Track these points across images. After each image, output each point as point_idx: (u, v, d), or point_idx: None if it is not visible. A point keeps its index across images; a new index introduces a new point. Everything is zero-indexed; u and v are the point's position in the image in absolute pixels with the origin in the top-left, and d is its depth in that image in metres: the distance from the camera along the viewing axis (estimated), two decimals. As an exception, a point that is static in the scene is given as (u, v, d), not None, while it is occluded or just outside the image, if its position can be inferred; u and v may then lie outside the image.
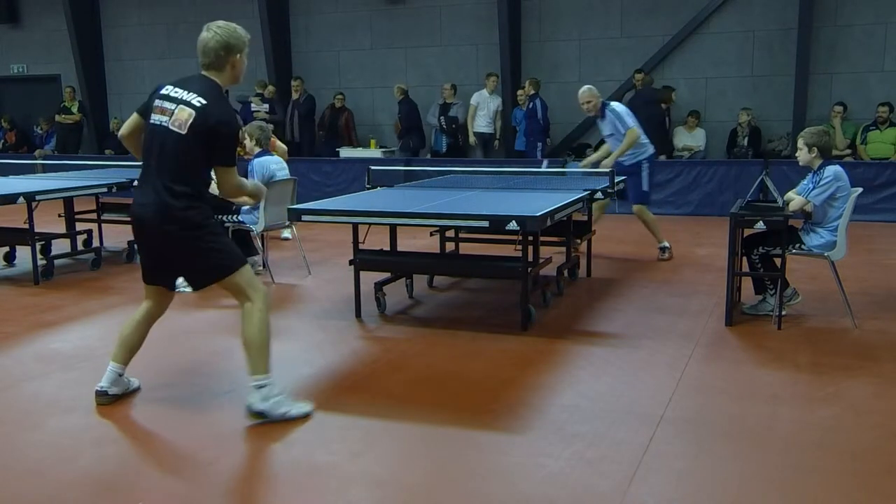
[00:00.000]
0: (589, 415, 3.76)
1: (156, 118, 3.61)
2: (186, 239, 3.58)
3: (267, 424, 3.67)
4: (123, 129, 3.81)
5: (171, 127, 3.53)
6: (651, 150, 7.61)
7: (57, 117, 14.52)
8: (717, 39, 11.48)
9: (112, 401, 3.92)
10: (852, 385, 4.13)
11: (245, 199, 6.55)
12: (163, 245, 3.63)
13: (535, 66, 12.29)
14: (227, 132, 3.56)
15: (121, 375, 3.96)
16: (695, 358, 4.57)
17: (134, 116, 3.79)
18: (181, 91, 3.59)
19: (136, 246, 3.91)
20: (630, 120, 7.44)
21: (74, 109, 14.52)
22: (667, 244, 7.55)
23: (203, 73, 3.67)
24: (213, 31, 3.68)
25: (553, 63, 12.29)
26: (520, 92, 11.79)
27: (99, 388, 3.91)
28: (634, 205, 7.58)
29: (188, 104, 3.53)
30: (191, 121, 3.50)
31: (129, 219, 3.76)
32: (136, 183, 3.80)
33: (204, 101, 3.53)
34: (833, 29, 10.93)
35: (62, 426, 3.72)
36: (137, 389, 4.10)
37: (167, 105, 3.58)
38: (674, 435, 3.53)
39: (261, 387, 3.61)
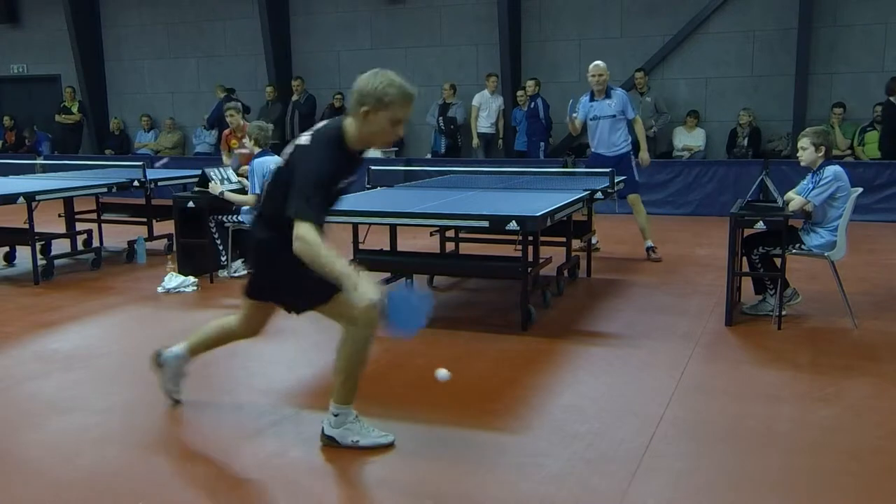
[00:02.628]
0: (589, 415, 3.76)
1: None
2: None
3: (268, 425, 3.67)
4: None
5: None
6: (630, 146, 7.63)
7: (57, 117, 14.52)
8: (717, 39, 11.47)
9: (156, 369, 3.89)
10: (852, 385, 4.13)
11: (245, 199, 6.58)
12: None
13: (535, 66, 12.29)
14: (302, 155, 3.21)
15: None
16: (695, 358, 4.57)
17: None
18: None
19: None
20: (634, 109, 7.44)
21: (74, 109, 14.52)
22: (653, 244, 7.52)
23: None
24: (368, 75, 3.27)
25: (553, 63, 12.28)
26: (520, 92, 11.79)
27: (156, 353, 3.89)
28: (630, 195, 7.51)
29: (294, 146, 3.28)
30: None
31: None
32: None
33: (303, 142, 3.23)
34: (833, 29, 10.93)
35: (62, 426, 3.71)
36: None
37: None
38: (674, 435, 3.53)
39: (335, 415, 3.41)
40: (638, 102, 11.31)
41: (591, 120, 7.50)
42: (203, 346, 3.84)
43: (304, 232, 2.98)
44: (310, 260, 2.99)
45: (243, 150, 7.68)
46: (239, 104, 8.54)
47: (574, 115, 7.51)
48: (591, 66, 7.41)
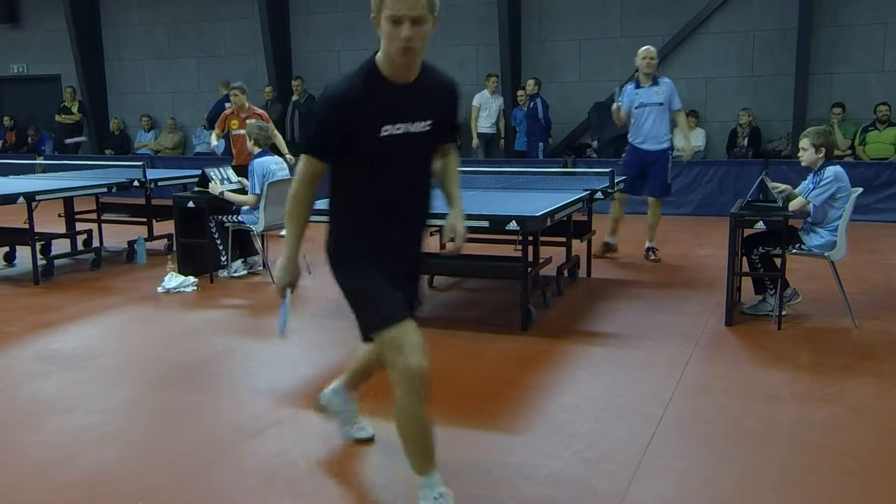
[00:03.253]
0: (589, 415, 3.76)
1: None
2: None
3: (268, 425, 3.67)
4: None
5: None
6: (671, 142, 7.31)
7: (57, 117, 14.52)
8: (717, 39, 11.47)
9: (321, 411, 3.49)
10: (852, 385, 4.13)
11: (245, 199, 6.58)
12: None
13: (535, 66, 12.29)
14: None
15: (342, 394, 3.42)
16: (695, 358, 4.57)
17: None
18: None
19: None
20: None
21: (74, 109, 14.52)
22: (654, 245, 7.47)
23: None
24: None
25: (553, 63, 12.28)
26: (520, 92, 11.79)
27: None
28: (656, 197, 7.30)
29: None
30: None
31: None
32: None
33: None
34: (833, 29, 10.93)
35: (62, 426, 3.71)
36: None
37: None
38: (674, 435, 3.53)
39: (422, 487, 2.80)
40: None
41: (636, 108, 7.11)
42: (359, 376, 3.39)
43: (298, 167, 2.66)
44: (287, 203, 2.69)
45: (241, 132, 7.74)
46: (244, 85, 8.49)
47: (619, 102, 7.14)
48: (641, 49, 7.09)
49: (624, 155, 7.51)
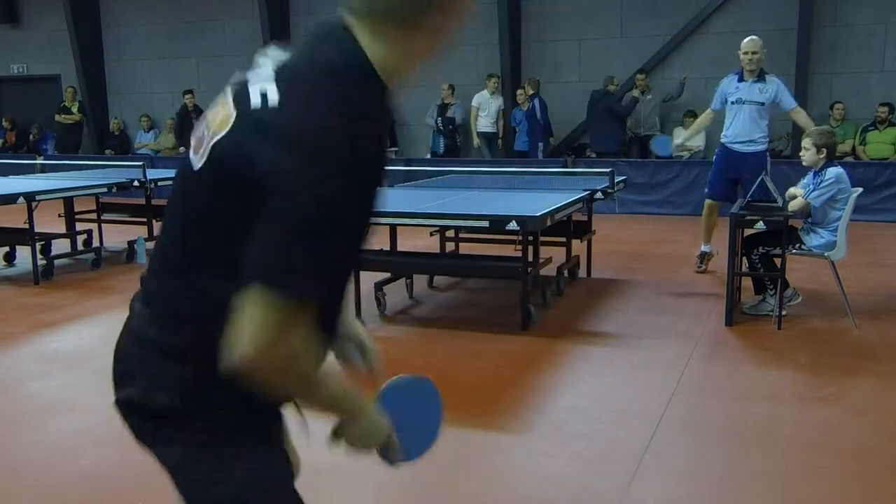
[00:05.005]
0: (589, 415, 3.76)
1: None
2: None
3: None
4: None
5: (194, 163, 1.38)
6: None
7: (57, 117, 14.51)
8: (717, 39, 11.47)
9: None
10: (852, 385, 4.13)
11: None
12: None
13: (535, 66, 12.29)
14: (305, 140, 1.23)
15: None
16: (695, 358, 4.57)
17: None
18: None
19: None
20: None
21: (74, 109, 14.52)
22: (706, 249, 6.94)
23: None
24: None
25: (553, 63, 12.28)
26: (519, 92, 11.79)
27: None
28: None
29: (239, 94, 1.39)
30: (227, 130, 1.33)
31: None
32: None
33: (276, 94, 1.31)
34: (833, 29, 10.93)
35: (62, 426, 3.71)
36: None
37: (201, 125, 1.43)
38: (674, 435, 3.53)
39: None
40: (639, 103, 11.35)
41: (732, 103, 6.46)
42: None
43: (279, 320, 1.21)
44: (289, 380, 1.32)
45: None
46: None
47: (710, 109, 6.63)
48: (743, 41, 6.36)
49: (716, 154, 6.86)
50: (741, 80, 6.49)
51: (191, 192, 1.39)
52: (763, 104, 6.38)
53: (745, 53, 6.38)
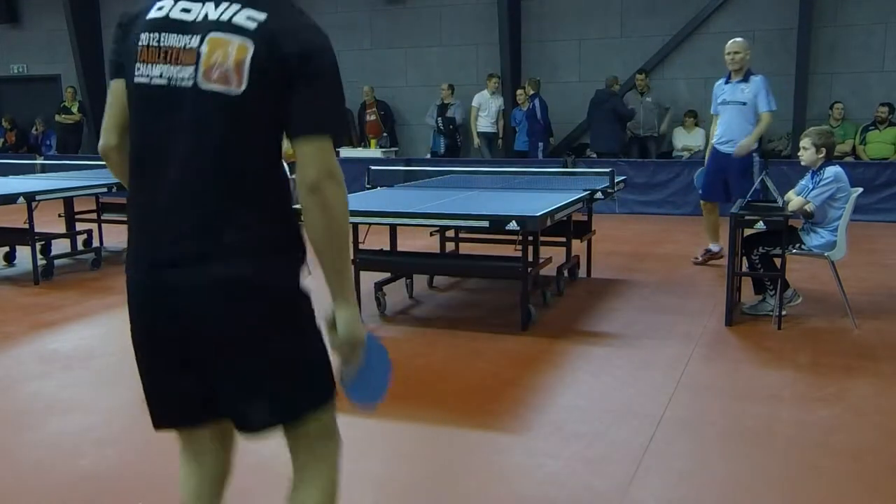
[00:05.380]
0: (589, 415, 3.76)
1: (152, 71, 1.74)
2: (284, 318, 1.83)
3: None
4: (105, 132, 1.90)
5: (201, 85, 1.70)
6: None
7: (57, 117, 14.52)
8: (717, 39, 11.42)
9: None
10: (852, 385, 4.13)
11: None
12: (213, 347, 1.79)
13: (535, 66, 12.30)
14: (321, 66, 1.74)
15: None
16: (695, 358, 4.57)
17: (114, 87, 1.86)
18: (201, 5, 1.74)
19: (141, 356, 1.90)
20: (774, 102, 6.51)
21: (74, 109, 14.52)
22: (717, 248, 7.02)
23: None
24: None
25: (553, 63, 12.29)
26: (519, 92, 11.79)
27: None
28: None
29: (231, 28, 1.70)
30: (248, 61, 1.68)
31: (128, 292, 1.84)
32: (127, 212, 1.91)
33: (263, 15, 1.71)
34: (833, 29, 10.93)
35: (62, 426, 3.71)
36: None
37: (174, 41, 1.73)
38: (674, 435, 3.53)
39: None
40: (639, 103, 11.36)
41: (720, 105, 6.63)
42: None
43: (331, 162, 1.71)
44: (335, 222, 1.73)
45: None
46: None
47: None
48: (728, 42, 6.49)
49: (708, 157, 6.98)
50: (727, 81, 6.60)
51: (224, 117, 1.69)
52: (745, 104, 6.45)
53: (728, 54, 6.50)
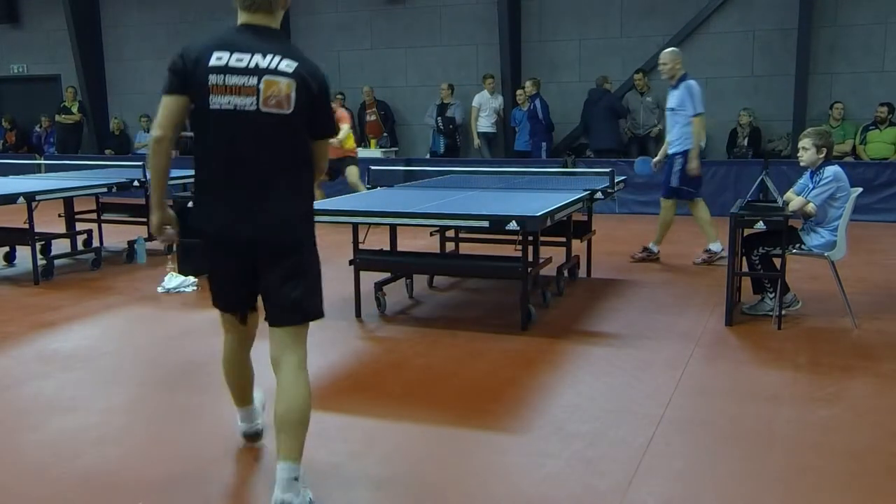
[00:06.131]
0: (589, 415, 3.76)
1: (226, 101, 2.72)
2: (303, 262, 2.87)
3: (267, 426, 3.67)
4: (162, 127, 2.81)
5: (262, 108, 2.71)
6: (689, 146, 7.07)
7: (57, 117, 14.52)
8: (717, 39, 11.48)
9: (261, 436, 3.45)
10: (852, 385, 4.13)
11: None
12: (272, 267, 2.84)
13: (535, 66, 12.30)
14: (327, 94, 2.88)
15: (254, 409, 3.42)
16: (695, 358, 4.57)
17: (173, 101, 2.79)
18: (250, 56, 2.73)
19: (216, 270, 3.02)
20: (701, 106, 6.94)
21: (74, 109, 14.52)
22: (655, 249, 7.39)
23: (252, 23, 2.83)
24: None
25: (553, 63, 12.29)
26: (519, 92, 11.79)
27: (245, 431, 3.41)
28: (662, 199, 7.34)
29: (278, 73, 2.72)
30: (293, 93, 2.72)
31: (210, 242, 2.96)
32: (196, 200, 3.01)
33: (295, 63, 2.74)
34: (833, 29, 10.93)
35: (62, 426, 3.71)
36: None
37: (240, 81, 2.71)
38: (674, 435, 3.53)
39: (296, 478, 2.77)
40: (639, 103, 11.37)
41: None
42: (245, 389, 3.34)
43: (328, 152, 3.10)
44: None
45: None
46: None
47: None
48: (662, 52, 7.03)
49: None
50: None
51: (279, 127, 2.75)
52: (673, 109, 6.97)
53: (660, 64, 7.05)
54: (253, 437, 3.42)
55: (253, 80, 2.70)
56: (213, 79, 2.71)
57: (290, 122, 2.74)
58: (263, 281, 2.86)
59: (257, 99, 2.70)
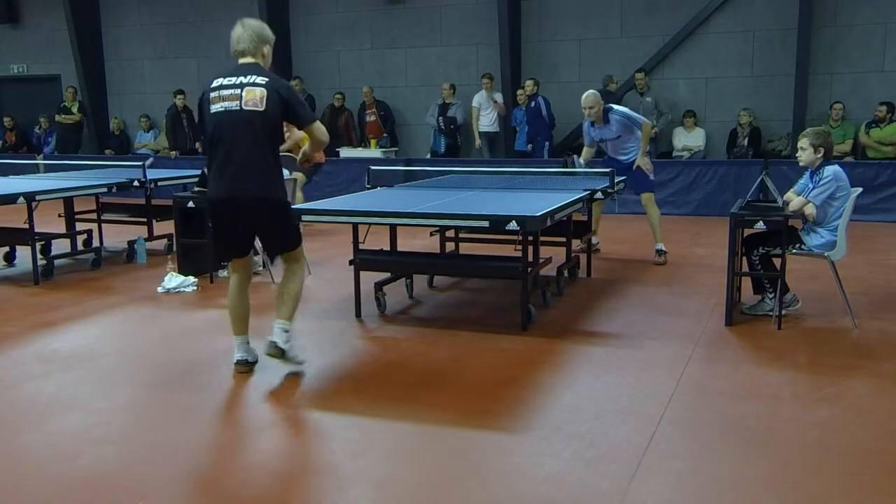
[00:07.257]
0: (589, 415, 3.76)
1: (220, 106, 4.09)
2: (281, 212, 4.26)
3: (268, 425, 3.67)
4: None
5: (245, 108, 4.03)
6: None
7: (57, 117, 14.52)
8: (717, 39, 11.47)
9: (251, 369, 4.39)
10: (852, 385, 4.13)
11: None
12: (260, 219, 4.20)
13: (535, 66, 12.29)
14: (295, 94, 4.25)
15: (248, 343, 4.44)
16: (695, 358, 4.57)
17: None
18: (236, 78, 4.13)
19: (219, 227, 4.30)
20: (640, 116, 7.45)
21: (74, 109, 14.52)
22: (663, 248, 7.42)
23: (242, 62, 4.22)
24: (247, 25, 4.30)
25: (553, 63, 12.29)
26: (519, 92, 11.79)
27: (239, 359, 4.38)
28: (643, 194, 7.45)
29: (254, 84, 4.07)
30: (265, 96, 4.04)
31: (211, 203, 4.23)
32: (206, 171, 4.38)
33: (266, 79, 4.10)
34: (833, 29, 10.93)
35: (62, 426, 3.72)
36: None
37: (228, 92, 4.09)
38: (674, 435, 3.53)
39: (286, 330, 4.27)
40: (638, 103, 11.36)
41: (599, 142, 7.63)
42: (245, 319, 4.46)
43: (323, 131, 4.28)
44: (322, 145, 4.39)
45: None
46: None
47: (579, 164, 7.63)
48: (582, 97, 7.38)
49: (603, 161, 7.77)
50: (593, 125, 7.51)
51: (253, 122, 4.06)
52: (619, 136, 7.40)
53: (584, 109, 7.37)
54: (243, 364, 4.39)
55: (237, 91, 4.08)
56: (211, 95, 4.14)
57: (264, 116, 4.06)
58: (259, 231, 4.29)
59: (240, 102, 4.06)
